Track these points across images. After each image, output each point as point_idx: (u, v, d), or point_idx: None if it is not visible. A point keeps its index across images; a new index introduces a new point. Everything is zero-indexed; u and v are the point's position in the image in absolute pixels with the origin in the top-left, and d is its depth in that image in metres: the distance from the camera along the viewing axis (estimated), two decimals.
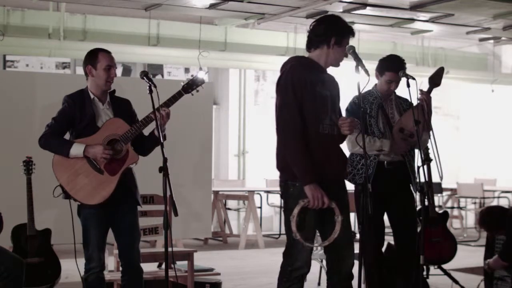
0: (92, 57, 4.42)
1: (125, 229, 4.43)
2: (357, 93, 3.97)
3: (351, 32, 4.03)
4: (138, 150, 4.42)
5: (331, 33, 3.98)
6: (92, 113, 4.38)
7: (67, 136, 4.44)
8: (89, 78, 4.44)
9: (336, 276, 4.00)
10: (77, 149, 4.28)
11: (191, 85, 4.45)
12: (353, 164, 5.19)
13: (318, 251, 5.69)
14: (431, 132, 5.15)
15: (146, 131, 4.45)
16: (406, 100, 5.18)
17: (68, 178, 4.30)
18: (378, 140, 5.10)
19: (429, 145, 5.74)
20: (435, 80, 5.18)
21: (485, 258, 5.37)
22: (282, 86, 3.93)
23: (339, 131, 3.97)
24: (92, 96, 4.42)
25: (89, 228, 4.34)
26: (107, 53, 4.45)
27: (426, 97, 5.07)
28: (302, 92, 3.87)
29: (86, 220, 4.36)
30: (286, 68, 3.97)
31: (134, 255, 4.45)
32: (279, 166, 3.98)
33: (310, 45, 4.04)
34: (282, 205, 4.07)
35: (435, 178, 5.98)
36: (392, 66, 5.15)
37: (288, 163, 3.87)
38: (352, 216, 11.48)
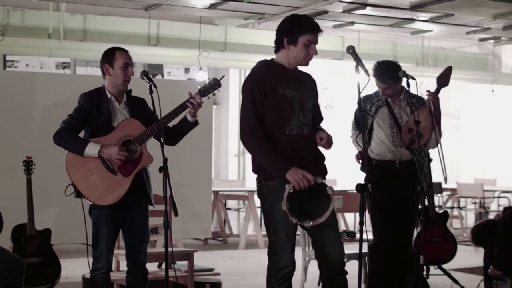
0: (109, 55, 4.38)
1: (136, 230, 4.41)
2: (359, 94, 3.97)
3: (304, 29, 3.95)
4: (166, 141, 4.33)
5: (282, 34, 4.01)
6: (108, 112, 4.34)
7: (81, 134, 4.41)
8: (106, 77, 4.40)
9: (327, 271, 4.00)
10: (92, 149, 4.25)
11: (207, 89, 4.43)
12: None
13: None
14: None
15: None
16: (420, 98, 5.18)
17: (81, 178, 4.28)
18: (357, 143, 5.28)
19: None
20: (443, 80, 5.17)
21: (485, 259, 5.37)
22: (243, 91, 4.01)
23: (310, 131, 3.96)
24: (109, 95, 4.39)
25: (99, 228, 4.32)
26: (124, 51, 4.41)
27: (433, 97, 5.06)
28: (261, 96, 3.91)
29: (97, 220, 4.33)
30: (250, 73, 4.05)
31: (142, 257, 4.44)
32: (254, 169, 4.03)
33: (275, 47, 4.08)
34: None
35: (436, 178, 5.99)
36: (375, 73, 5.18)
37: (260, 165, 3.94)
38: (352, 216, 11.44)
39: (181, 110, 4.35)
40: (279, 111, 3.91)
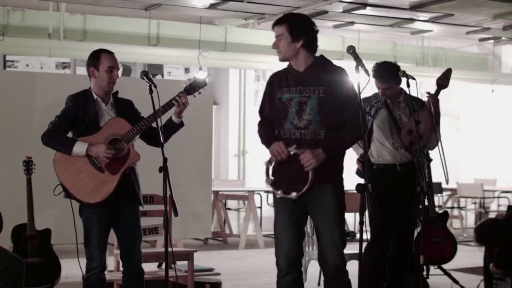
0: (95, 58, 4.41)
1: (127, 230, 4.43)
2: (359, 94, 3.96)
3: None
4: (152, 142, 4.40)
5: None
6: (95, 113, 4.38)
7: (69, 135, 4.44)
8: (92, 79, 4.44)
9: (325, 277, 4.02)
10: (79, 148, 4.28)
11: (193, 87, 4.44)
12: None
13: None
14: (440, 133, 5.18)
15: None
16: (419, 100, 5.20)
17: (69, 177, 4.30)
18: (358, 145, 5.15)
19: None
20: (443, 82, 5.20)
21: (485, 258, 5.37)
22: None
23: (307, 134, 3.91)
24: (95, 96, 4.42)
25: (90, 228, 4.34)
26: (110, 54, 4.43)
27: (433, 99, 5.09)
28: (266, 94, 4.11)
29: (87, 219, 4.36)
30: None
31: (136, 256, 4.45)
32: None
33: None
34: None
35: (436, 179, 5.99)
36: (375, 74, 5.18)
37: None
38: (352, 216, 11.44)
39: (167, 108, 4.37)
40: (275, 115, 4.01)
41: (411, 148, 5.13)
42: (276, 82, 4.04)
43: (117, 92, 4.52)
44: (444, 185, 11.02)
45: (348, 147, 4.10)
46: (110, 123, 4.37)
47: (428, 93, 5.12)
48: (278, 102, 3.98)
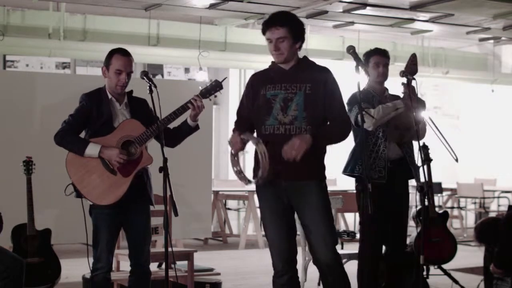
0: (108, 58, 4.37)
1: (137, 230, 4.42)
2: (359, 94, 3.96)
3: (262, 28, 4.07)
4: (166, 143, 4.33)
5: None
6: (109, 112, 4.35)
7: (82, 134, 4.42)
8: (106, 78, 4.42)
9: (318, 268, 4.01)
10: (92, 149, 4.26)
11: (209, 90, 4.42)
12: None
13: None
14: (428, 121, 5.17)
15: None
16: (399, 97, 5.18)
17: (81, 177, 4.28)
18: (390, 104, 5.04)
19: (429, 144, 5.75)
20: (410, 69, 5.17)
21: (485, 258, 5.37)
22: None
23: (292, 130, 3.90)
24: (109, 96, 4.39)
25: (99, 228, 4.33)
26: (123, 56, 4.35)
27: (408, 89, 5.03)
28: (247, 96, 4.13)
29: (97, 220, 4.34)
30: None
31: (144, 256, 4.44)
32: None
33: None
34: None
35: (436, 179, 5.99)
36: (377, 50, 5.18)
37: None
38: (352, 216, 11.42)
39: (182, 111, 4.34)
40: (257, 111, 4.02)
41: (401, 142, 5.10)
42: (258, 81, 4.09)
43: (131, 91, 4.49)
44: (444, 185, 11.05)
45: (332, 142, 4.00)
46: (124, 124, 4.34)
47: (403, 84, 5.07)
48: (261, 99, 4.00)
